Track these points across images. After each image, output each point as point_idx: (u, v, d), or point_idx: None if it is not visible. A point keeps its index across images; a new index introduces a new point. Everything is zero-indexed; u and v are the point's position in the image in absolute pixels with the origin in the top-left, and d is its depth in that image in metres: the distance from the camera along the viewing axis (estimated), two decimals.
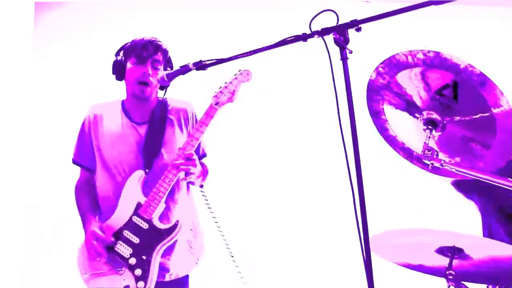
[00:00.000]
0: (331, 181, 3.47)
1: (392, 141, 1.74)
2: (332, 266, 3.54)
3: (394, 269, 2.14)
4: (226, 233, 2.42)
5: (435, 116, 1.60)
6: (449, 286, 1.83)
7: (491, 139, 1.56)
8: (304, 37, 1.66)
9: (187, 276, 2.38)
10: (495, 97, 1.50)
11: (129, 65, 2.34)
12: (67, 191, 2.47)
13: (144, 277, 2.16)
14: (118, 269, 2.16)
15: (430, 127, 1.60)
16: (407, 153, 1.74)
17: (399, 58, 1.59)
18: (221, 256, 3.02)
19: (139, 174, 2.29)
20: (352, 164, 1.51)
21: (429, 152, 1.55)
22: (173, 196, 2.32)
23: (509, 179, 1.48)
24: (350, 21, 1.59)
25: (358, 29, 1.59)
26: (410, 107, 1.65)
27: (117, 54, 2.40)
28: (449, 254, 1.84)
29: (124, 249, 2.19)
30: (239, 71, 2.30)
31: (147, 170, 2.30)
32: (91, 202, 2.37)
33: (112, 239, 2.21)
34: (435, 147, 1.60)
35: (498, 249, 1.80)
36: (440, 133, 1.60)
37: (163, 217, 2.27)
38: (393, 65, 1.60)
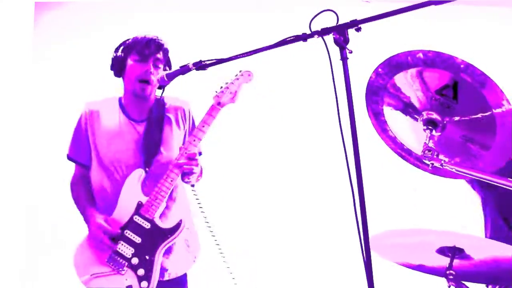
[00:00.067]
0: (331, 181, 3.47)
1: (392, 141, 1.74)
2: (332, 266, 3.54)
3: (394, 269, 2.14)
4: (217, 232, 2.42)
5: (435, 116, 1.60)
6: (449, 286, 1.83)
7: (491, 139, 1.56)
8: (304, 37, 1.66)
9: (185, 275, 2.38)
10: (496, 97, 1.50)
11: (129, 61, 2.33)
12: (67, 191, 2.46)
13: (147, 277, 2.16)
14: (120, 269, 2.16)
15: (430, 127, 1.60)
16: (407, 154, 1.74)
17: (399, 59, 1.58)
18: (218, 254, 3.03)
19: (139, 173, 2.28)
20: (352, 164, 1.51)
21: (429, 152, 1.55)
22: (171, 195, 2.33)
23: (509, 179, 1.48)
24: (350, 21, 1.59)
25: (358, 29, 1.59)
26: (408, 107, 1.65)
27: (117, 50, 2.39)
28: (450, 254, 1.84)
29: (125, 249, 2.19)
30: (240, 71, 2.30)
31: (146, 169, 2.30)
32: (89, 196, 2.36)
33: (119, 231, 2.20)
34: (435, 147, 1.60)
35: (499, 250, 1.80)
36: (440, 133, 1.60)
37: (161, 215, 2.27)
38: (392, 65, 1.60)
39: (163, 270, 2.26)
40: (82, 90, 3.33)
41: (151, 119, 2.36)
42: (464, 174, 1.52)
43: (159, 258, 2.19)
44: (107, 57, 2.42)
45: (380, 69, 1.62)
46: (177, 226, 2.23)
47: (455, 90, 1.54)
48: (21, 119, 3.34)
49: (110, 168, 2.30)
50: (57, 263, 3.21)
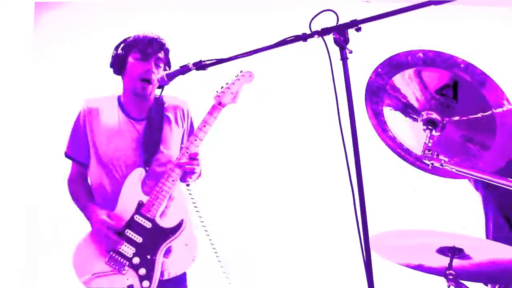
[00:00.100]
0: (331, 181, 3.47)
1: (391, 141, 1.74)
2: (332, 266, 3.54)
3: (394, 269, 2.14)
4: (213, 231, 2.42)
5: (435, 116, 1.60)
6: (449, 286, 1.83)
7: (491, 139, 1.56)
8: (304, 37, 1.66)
9: (184, 274, 2.38)
10: (496, 97, 1.50)
11: (131, 60, 2.32)
12: (67, 191, 2.46)
13: (148, 276, 2.16)
14: (121, 269, 2.16)
15: (430, 127, 1.60)
16: (407, 154, 1.74)
17: (399, 58, 1.58)
18: (213, 252, 3.02)
19: (139, 172, 2.28)
20: (352, 164, 1.51)
21: (429, 152, 1.55)
22: (170, 194, 2.32)
23: (509, 179, 1.48)
24: (350, 21, 1.59)
25: (358, 29, 1.59)
26: (408, 107, 1.65)
27: (118, 47, 2.37)
28: (449, 254, 1.84)
29: (126, 249, 2.19)
30: (241, 71, 2.30)
31: (146, 168, 2.30)
32: (89, 193, 2.36)
33: (123, 225, 2.20)
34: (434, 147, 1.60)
35: (499, 251, 1.80)
36: (439, 133, 1.60)
37: (161, 214, 2.27)
38: (392, 65, 1.60)
39: (162, 269, 2.25)
40: (82, 90, 3.32)
41: (150, 118, 2.35)
42: (464, 174, 1.52)
43: (160, 257, 2.19)
44: (107, 57, 2.42)
45: (380, 69, 1.62)
46: (179, 225, 2.24)
47: (455, 90, 1.54)
48: (21, 119, 3.34)
49: (109, 166, 2.30)
50: (57, 263, 3.21)
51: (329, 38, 1.61)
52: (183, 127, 2.45)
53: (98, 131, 2.33)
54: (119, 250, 2.18)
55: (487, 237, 2.34)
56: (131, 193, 2.25)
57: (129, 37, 2.37)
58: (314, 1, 2.08)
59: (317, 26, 1.63)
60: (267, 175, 3.65)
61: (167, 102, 2.43)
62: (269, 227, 3.59)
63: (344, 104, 1.55)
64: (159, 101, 2.41)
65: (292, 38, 1.69)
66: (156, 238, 2.21)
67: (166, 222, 2.25)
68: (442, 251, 1.87)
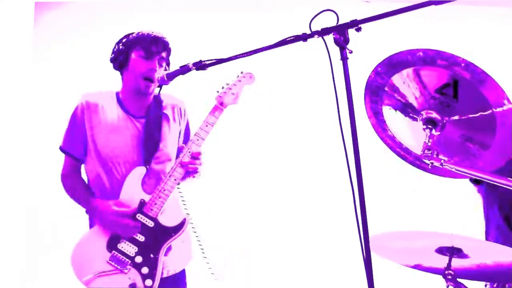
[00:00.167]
0: (331, 181, 3.48)
1: (391, 141, 1.74)
2: (332, 266, 3.54)
3: (394, 269, 2.14)
4: (200, 229, 2.42)
5: (434, 115, 1.60)
6: (448, 286, 1.83)
7: (491, 138, 1.56)
8: (304, 37, 1.66)
9: (183, 271, 2.39)
10: (496, 96, 1.50)
11: (134, 57, 2.31)
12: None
13: (151, 275, 2.16)
14: (124, 268, 2.16)
15: (429, 126, 1.60)
16: (406, 153, 1.74)
17: (399, 57, 1.58)
18: (214, 250, 3.02)
19: (140, 171, 2.28)
20: (352, 164, 1.51)
21: (429, 152, 1.55)
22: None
23: (509, 178, 1.48)
24: (350, 21, 1.59)
25: (358, 29, 1.59)
26: (407, 107, 1.65)
27: (120, 42, 2.36)
28: (448, 254, 1.84)
29: (129, 248, 2.19)
30: (241, 73, 2.30)
31: (147, 167, 2.30)
32: (87, 187, 2.35)
33: (135, 208, 2.20)
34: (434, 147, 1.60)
35: (498, 252, 1.80)
36: (439, 132, 1.60)
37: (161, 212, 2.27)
38: (392, 64, 1.60)
39: (162, 267, 2.26)
40: (82, 90, 3.32)
41: (150, 117, 2.35)
42: (464, 174, 1.52)
43: (162, 256, 2.20)
44: (107, 57, 2.42)
45: (379, 68, 1.62)
46: (181, 224, 2.25)
47: (455, 89, 1.54)
48: (21, 119, 3.34)
49: (108, 163, 2.29)
50: (57, 263, 3.21)
51: (329, 38, 1.61)
52: (180, 125, 2.46)
53: (97, 126, 2.31)
54: (121, 249, 2.18)
55: (487, 239, 2.34)
56: (133, 192, 2.25)
57: (132, 33, 2.35)
58: (314, 1, 2.08)
59: (317, 26, 1.63)
60: (267, 175, 3.66)
61: (165, 100, 2.43)
62: (269, 227, 3.59)
63: (344, 104, 1.55)
64: (157, 99, 2.41)
65: (292, 38, 1.69)
66: (158, 237, 2.21)
67: (168, 221, 2.25)
68: (441, 251, 1.87)
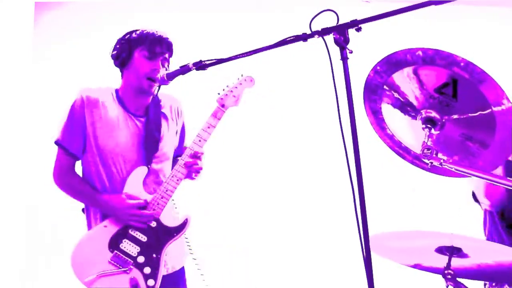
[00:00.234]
0: (331, 181, 3.48)
1: (390, 139, 1.74)
2: (332, 266, 3.54)
3: (394, 269, 2.15)
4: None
5: (434, 114, 1.60)
6: (447, 285, 1.83)
7: (490, 137, 1.56)
8: (304, 37, 1.66)
9: (183, 271, 2.39)
10: (495, 95, 1.50)
11: (137, 55, 2.28)
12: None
13: (153, 275, 2.16)
14: (126, 268, 2.16)
15: (429, 125, 1.60)
16: (406, 152, 1.74)
17: (398, 57, 1.58)
18: (212, 248, 3.02)
19: (142, 170, 2.28)
20: (352, 164, 1.51)
21: (428, 151, 1.55)
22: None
23: (508, 178, 1.48)
24: (350, 21, 1.59)
25: (358, 29, 1.59)
26: (407, 106, 1.65)
27: (123, 39, 2.33)
28: (448, 254, 1.84)
29: (131, 248, 2.19)
30: (242, 75, 2.31)
31: (148, 166, 2.30)
32: (88, 183, 2.29)
33: (146, 198, 2.22)
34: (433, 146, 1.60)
35: (498, 252, 1.80)
36: (438, 131, 1.60)
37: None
38: (391, 63, 1.60)
39: None
40: None
41: (150, 116, 2.35)
42: (464, 173, 1.52)
43: (164, 256, 2.21)
44: (107, 58, 2.41)
45: (378, 67, 1.62)
46: (183, 224, 2.25)
47: (455, 88, 1.54)
48: (21, 119, 3.35)
49: (108, 161, 2.27)
50: (57, 263, 3.21)
51: (329, 38, 1.61)
52: (177, 125, 2.46)
53: (99, 122, 2.27)
54: (124, 249, 2.18)
55: (484, 233, 2.35)
56: (134, 191, 2.25)
57: (136, 30, 2.32)
58: (314, 1, 2.08)
59: (317, 26, 1.63)
60: (267, 174, 3.66)
61: (163, 99, 2.42)
62: (269, 226, 3.60)
63: (344, 104, 1.55)
64: (156, 98, 2.40)
65: (292, 38, 1.69)
66: (161, 237, 2.22)
67: (170, 221, 2.25)
68: (441, 250, 1.87)
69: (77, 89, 2.33)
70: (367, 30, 1.59)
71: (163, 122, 2.38)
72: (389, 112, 1.68)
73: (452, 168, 1.51)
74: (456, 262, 1.86)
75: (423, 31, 3.51)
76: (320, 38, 1.63)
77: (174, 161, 2.44)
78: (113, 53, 2.35)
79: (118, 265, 2.16)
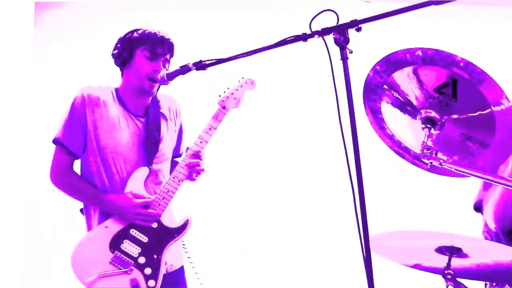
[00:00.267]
0: (331, 181, 3.48)
1: (390, 139, 1.74)
2: (332, 266, 3.54)
3: (394, 269, 2.14)
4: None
5: (433, 114, 1.60)
6: (447, 286, 1.83)
7: (490, 137, 1.56)
8: (304, 37, 1.66)
9: (182, 270, 2.39)
10: (495, 95, 1.50)
11: (138, 56, 2.27)
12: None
13: (154, 276, 2.17)
14: (127, 269, 2.16)
15: (428, 125, 1.60)
16: (405, 152, 1.74)
17: (397, 56, 1.58)
18: (213, 249, 3.02)
19: (143, 171, 2.28)
20: (352, 164, 1.51)
21: (428, 151, 1.55)
22: None
23: (508, 178, 1.48)
24: (350, 21, 1.59)
25: (358, 29, 1.59)
26: (406, 105, 1.65)
27: (124, 38, 2.32)
28: (448, 254, 1.84)
29: (132, 248, 2.19)
30: (242, 78, 2.31)
31: (150, 167, 2.30)
32: (89, 183, 2.28)
33: (154, 195, 2.23)
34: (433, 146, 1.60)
35: (498, 252, 1.80)
36: (438, 131, 1.60)
37: None
38: (390, 63, 1.60)
39: None
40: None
41: (150, 116, 2.35)
42: (463, 173, 1.52)
43: (165, 257, 2.21)
44: (107, 58, 2.41)
45: (378, 67, 1.62)
46: (184, 225, 2.25)
47: (454, 88, 1.55)
48: (22, 119, 3.35)
49: (109, 160, 2.26)
50: (57, 263, 3.21)
51: (329, 38, 1.61)
52: (175, 125, 2.46)
53: (100, 121, 2.26)
54: (124, 250, 2.18)
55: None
56: (137, 192, 2.25)
57: (137, 29, 2.31)
58: (314, 1, 2.08)
59: (317, 26, 1.63)
60: (267, 174, 3.66)
61: (161, 100, 2.42)
62: (269, 227, 3.60)
63: (344, 104, 1.55)
64: (155, 99, 2.40)
65: (292, 38, 1.69)
66: (162, 238, 2.22)
67: (171, 222, 2.25)
68: (441, 250, 1.87)
69: (77, 87, 2.32)
70: (367, 30, 1.59)
71: (163, 123, 2.38)
72: (388, 112, 1.69)
73: (451, 168, 1.51)
74: (456, 262, 1.86)
75: (423, 31, 3.51)
76: (320, 38, 1.63)
77: (172, 162, 2.45)
78: (114, 52, 2.34)
79: (119, 266, 2.16)
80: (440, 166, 1.53)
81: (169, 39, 2.32)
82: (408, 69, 1.58)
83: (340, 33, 1.58)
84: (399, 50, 1.58)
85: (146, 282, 2.15)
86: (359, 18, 1.58)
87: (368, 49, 2.19)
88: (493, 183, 1.52)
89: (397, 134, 1.72)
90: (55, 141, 2.27)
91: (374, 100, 1.68)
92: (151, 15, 3.53)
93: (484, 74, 1.49)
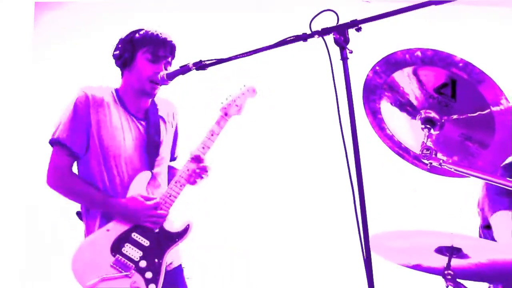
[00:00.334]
0: (331, 181, 3.48)
1: (389, 140, 1.74)
2: (332, 266, 3.54)
3: (394, 269, 2.14)
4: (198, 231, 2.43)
5: (433, 115, 1.60)
6: (447, 286, 1.83)
7: (489, 137, 1.56)
8: (304, 37, 1.66)
9: (181, 269, 2.39)
10: (494, 95, 1.50)
11: (140, 58, 2.26)
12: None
13: (155, 280, 2.16)
14: (128, 272, 2.15)
15: (428, 126, 1.60)
16: (405, 152, 1.74)
17: (397, 57, 1.59)
18: (213, 249, 3.02)
19: (146, 175, 2.27)
20: (352, 164, 1.51)
21: (427, 152, 1.55)
22: None
23: (508, 179, 1.48)
24: (350, 21, 1.59)
25: (358, 29, 1.59)
26: (406, 106, 1.65)
27: (126, 39, 2.30)
28: (448, 254, 1.84)
29: (133, 252, 2.18)
30: (244, 85, 2.33)
31: (152, 171, 2.29)
32: (92, 185, 2.24)
33: (162, 195, 2.22)
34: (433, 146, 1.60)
35: (498, 252, 1.80)
36: (438, 132, 1.60)
37: None
38: (390, 63, 1.60)
39: None
40: None
41: (150, 120, 2.34)
42: (463, 174, 1.52)
43: (166, 261, 2.21)
44: (107, 58, 2.41)
45: (377, 67, 1.62)
46: (185, 230, 2.25)
47: (454, 89, 1.55)
48: (22, 119, 3.35)
49: (111, 162, 2.23)
50: (57, 263, 3.21)
51: (329, 38, 1.61)
52: (172, 127, 2.46)
53: (103, 122, 2.23)
54: (126, 253, 2.17)
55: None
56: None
57: (139, 30, 2.29)
58: (314, 1, 2.08)
59: (317, 26, 1.63)
60: (267, 175, 3.66)
61: (159, 103, 2.41)
62: (269, 227, 3.60)
63: (344, 104, 1.55)
64: (153, 102, 2.39)
65: (292, 38, 1.69)
66: (163, 242, 2.22)
67: (172, 226, 2.25)
68: (440, 250, 1.87)
69: (78, 87, 2.29)
70: (367, 30, 1.59)
71: (162, 126, 2.38)
72: (388, 112, 1.69)
73: (451, 168, 1.51)
74: (456, 263, 1.86)
75: (423, 31, 3.51)
76: (320, 38, 1.63)
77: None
78: (115, 53, 2.32)
79: (120, 269, 2.15)
80: (439, 166, 1.53)
81: (171, 41, 2.30)
82: (408, 70, 1.58)
83: (340, 33, 1.58)
84: (398, 51, 1.58)
85: (147, 286, 2.15)
86: (359, 18, 1.58)
87: (368, 49, 2.20)
88: (493, 183, 1.52)
89: (397, 135, 1.72)
90: (54, 141, 2.22)
91: (373, 100, 1.68)
92: (151, 15, 3.53)
93: (483, 75, 1.49)
